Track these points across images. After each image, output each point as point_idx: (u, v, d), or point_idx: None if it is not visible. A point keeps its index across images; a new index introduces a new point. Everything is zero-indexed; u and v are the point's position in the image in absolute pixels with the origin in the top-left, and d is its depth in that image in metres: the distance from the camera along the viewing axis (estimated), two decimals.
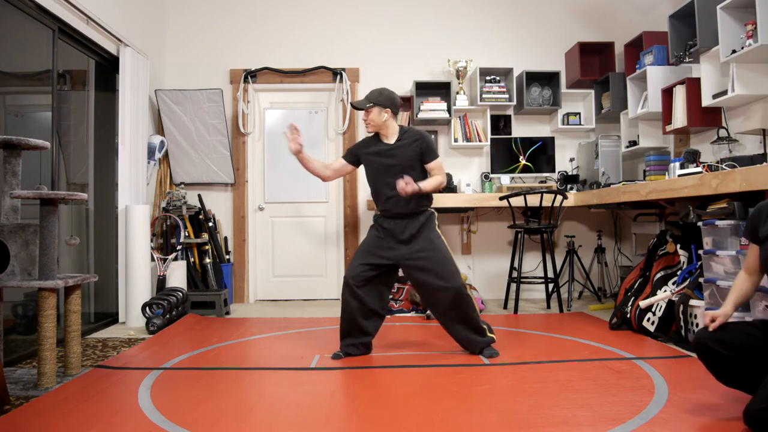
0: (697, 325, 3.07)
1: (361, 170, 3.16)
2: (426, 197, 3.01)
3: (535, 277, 4.90)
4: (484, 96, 4.98)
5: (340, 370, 2.72)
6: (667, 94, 3.92)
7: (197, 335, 3.57)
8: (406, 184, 2.77)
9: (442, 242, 2.96)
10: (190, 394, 2.36)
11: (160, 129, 4.92)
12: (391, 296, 4.48)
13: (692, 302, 3.10)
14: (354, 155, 3.15)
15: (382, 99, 3.02)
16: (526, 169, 5.00)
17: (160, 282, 4.25)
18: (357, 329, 2.94)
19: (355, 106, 3.07)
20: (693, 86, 3.66)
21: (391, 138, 3.02)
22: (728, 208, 2.90)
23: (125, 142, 4.12)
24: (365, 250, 2.99)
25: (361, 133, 5.15)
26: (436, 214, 3.07)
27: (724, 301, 2.16)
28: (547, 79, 5.10)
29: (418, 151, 2.97)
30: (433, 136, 5.17)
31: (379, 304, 2.98)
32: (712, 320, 1.99)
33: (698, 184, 2.96)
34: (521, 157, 4.98)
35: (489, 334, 2.98)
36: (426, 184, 2.89)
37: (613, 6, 5.22)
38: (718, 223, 2.94)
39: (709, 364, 1.99)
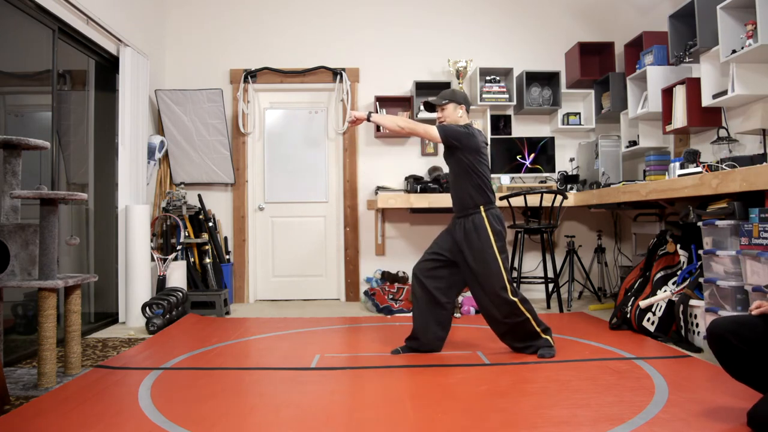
0: (697, 325, 3.08)
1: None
2: (471, 195, 2.90)
3: (535, 277, 4.90)
4: (484, 96, 4.99)
5: (340, 370, 2.72)
6: (667, 94, 3.92)
7: (197, 335, 3.57)
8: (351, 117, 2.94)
9: (488, 254, 2.82)
10: (190, 394, 2.36)
11: (160, 129, 4.92)
12: (391, 296, 4.48)
13: (692, 302, 3.10)
14: None
15: (457, 96, 3.02)
16: (531, 169, 5.00)
17: (160, 282, 4.25)
18: (416, 320, 2.97)
19: (430, 103, 3.04)
20: (693, 86, 3.66)
21: None
22: (728, 208, 2.90)
23: (125, 142, 4.12)
24: (433, 243, 3.04)
25: (362, 134, 5.15)
26: (487, 215, 2.88)
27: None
28: (547, 79, 5.10)
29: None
30: None
31: (445, 297, 2.96)
32: (758, 306, 1.93)
33: (698, 184, 2.96)
34: (522, 158, 4.98)
35: (544, 336, 2.90)
36: (379, 115, 2.96)
37: (613, 6, 5.22)
38: (718, 223, 2.94)
39: (720, 355, 1.94)
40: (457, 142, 2.88)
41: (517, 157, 4.98)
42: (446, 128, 2.90)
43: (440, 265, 2.96)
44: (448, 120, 2.99)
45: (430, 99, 3.07)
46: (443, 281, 2.96)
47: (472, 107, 5.04)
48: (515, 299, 2.83)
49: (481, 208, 2.89)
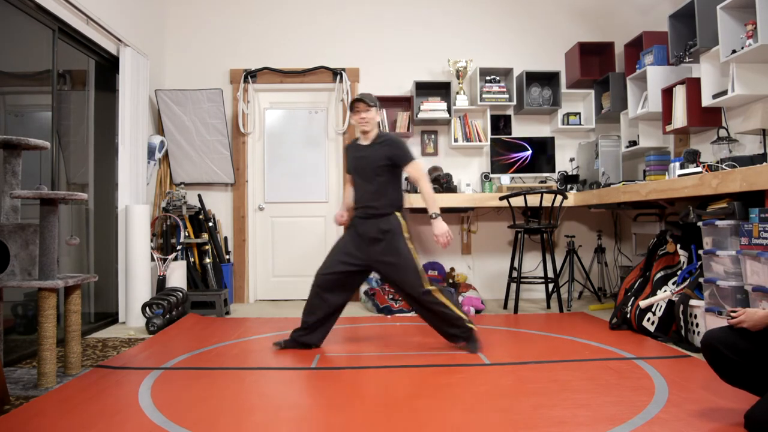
0: (697, 325, 3.08)
1: None
2: (394, 197, 3.06)
3: (535, 277, 4.90)
4: (484, 96, 4.99)
5: (340, 370, 2.72)
6: (667, 94, 3.92)
7: (197, 335, 3.57)
8: (444, 238, 2.95)
9: (408, 250, 2.99)
10: (190, 394, 2.36)
11: (160, 129, 4.92)
12: (391, 296, 4.48)
13: (692, 302, 3.10)
14: (348, 165, 3.27)
15: (378, 102, 3.13)
16: (525, 169, 5.00)
17: (160, 282, 4.25)
18: (320, 324, 3.09)
19: (365, 101, 3.05)
20: (693, 86, 3.66)
21: (370, 140, 3.11)
22: (728, 208, 2.90)
23: (125, 142, 4.12)
24: (340, 251, 3.09)
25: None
26: (401, 216, 3.07)
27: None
28: (547, 79, 5.10)
29: (388, 154, 3.02)
30: (433, 136, 5.20)
31: (342, 303, 3.11)
32: (737, 317, 1.91)
33: (698, 184, 2.96)
34: (524, 154, 4.99)
35: (468, 325, 3.02)
36: (433, 205, 2.99)
37: (613, 6, 5.23)
38: (718, 223, 2.94)
39: (716, 366, 1.95)
40: (413, 156, 3.09)
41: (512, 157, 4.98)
42: (411, 156, 3.06)
43: (346, 274, 3.06)
44: (372, 122, 3.07)
45: (364, 97, 3.06)
46: (345, 290, 3.09)
47: (472, 107, 5.06)
48: (432, 287, 2.98)
49: (396, 212, 3.05)
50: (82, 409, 2.16)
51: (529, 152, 5.01)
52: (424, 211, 4.79)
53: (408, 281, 2.96)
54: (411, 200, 4.49)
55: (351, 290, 3.12)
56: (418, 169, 3.05)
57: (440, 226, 2.96)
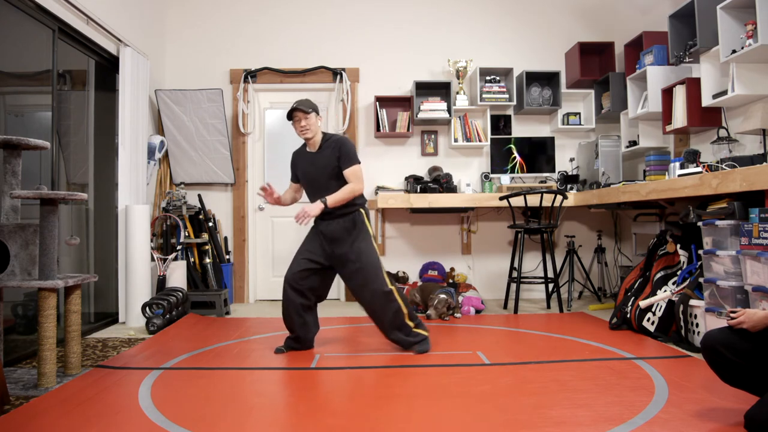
0: (697, 325, 3.08)
1: (363, 171, 3.11)
2: (354, 199, 3.02)
3: (535, 277, 4.90)
4: (484, 96, 4.99)
5: (340, 370, 2.72)
6: (667, 94, 3.92)
7: (197, 335, 3.57)
8: (304, 215, 2.85)
9: (371, 248, 2.98)
10: (190, 394, 2.36)
11: (160, 129, 4.92)
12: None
13: (692, 302, 3.10)
14: (294, 174, 3.28)
15: (315, 106, 3.06)
16: (530, 169, 5.00)
17: (160, 282, 4.25)
18: (295, 325, 3.07)
19: (301, 109, 2.97)
20: (693, 86, 3.66)
21: (317, 146, 3.08)
22: (728, 208, 2.90)
23: (125, 142, 4.12)
24: (303, 250, 3.08)
25: (362, 133, 5.15)
26: (365, 213, 3.07)
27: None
28: (547, 79, 5.10)
29: (337, 155, 2.99)
30: (433, 136, 5.20)
31: (315, 299, 3.11)
32: (736, 317, 1.91)
33: (698, 184, 2.96)
34: (515, 156, 4.99)
35: (416, 330, 3.03)
36: (332, 198, 2.92)
37: (613, 6, 5.23)
38: (718, 223, 2.94)
39: (715, 367, 1.95)
40: (357, 160, 3.04)
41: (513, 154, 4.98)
42: (353, 160, 3.00)
43: (313, 272, 3.04)
44: (313, 128, 3.02)
45: (300, 105, 2.99)
46: (317, 286, 3.08)
47: (472, 107, 5.06)
48: (393, 287, 2.97)
49: (360, 209, 3.05)
50: (82, 409, 2.16)
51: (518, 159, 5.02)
52: (422, 211, 4.81)
53: (371, 281, 2.94)
54: (411, 201, 4.51)
55: (320, 289, 3.11)
56: (355, 173, 2.98)
57: (313, 206, 2.89)
